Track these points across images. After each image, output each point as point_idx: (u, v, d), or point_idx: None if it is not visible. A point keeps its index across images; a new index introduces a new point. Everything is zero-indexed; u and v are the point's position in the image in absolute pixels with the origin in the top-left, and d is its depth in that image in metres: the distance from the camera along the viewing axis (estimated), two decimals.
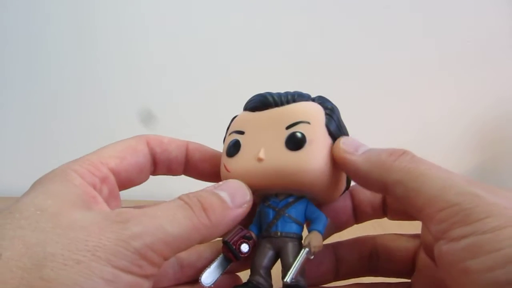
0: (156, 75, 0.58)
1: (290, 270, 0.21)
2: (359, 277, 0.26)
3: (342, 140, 0.22)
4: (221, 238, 0.25)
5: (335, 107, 0.23)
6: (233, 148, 0.23)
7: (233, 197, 0.21)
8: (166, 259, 0.18)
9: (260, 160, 0.22)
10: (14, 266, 0.15)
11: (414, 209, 0.18)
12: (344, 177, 0.23)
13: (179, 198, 0.20)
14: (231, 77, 0.58)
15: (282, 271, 0.22)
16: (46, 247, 0.15)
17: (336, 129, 0.23)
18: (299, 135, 0.21)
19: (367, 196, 0.25)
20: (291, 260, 0.21)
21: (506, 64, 0.59)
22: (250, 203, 0.22)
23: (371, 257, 0.25)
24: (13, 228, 0.16)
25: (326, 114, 0.23)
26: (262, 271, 0.22)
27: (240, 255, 0.22)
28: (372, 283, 0.26)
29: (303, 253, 0.21)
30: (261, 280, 0.22)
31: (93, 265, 0.15)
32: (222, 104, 0.58)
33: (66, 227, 0.16)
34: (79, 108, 0.58)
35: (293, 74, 0.57)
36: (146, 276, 0.17)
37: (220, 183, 0.22)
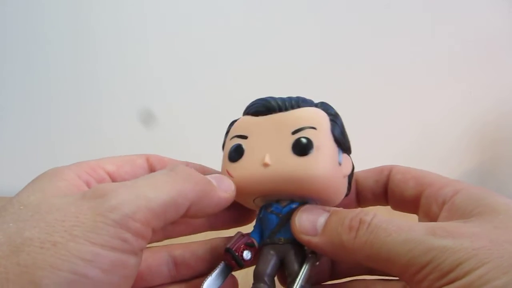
0: (156, 75, 0.58)
1: (298, 278, 0.20)
2: (354, 276, 0.26)
3: (296, 218, 0.21)
4: (214, 237, 0.25)
5: (338, 113, 0.23)
6: (236, 153, 0.22)
7: (218, 182, 0.21)
8: (154, 228, 0.17)
9: (266, 165, 0.21)
10: None
11: (393, 275, 0.19)
12: (345, 182, 0.23)
13: (167, 167, 0.20)
14: (231, 77, 0.58)
15: (287, 278, 0.22)
16: (23, 233, 0.15)
17: (340, 135, 0.23)
18: (306, 140, 0.21)
19: (369, 184, 0.25)
20: (296, 267, 0.21)
21: (506, 65, 0.59)
22: (234, 194, 0.22)
23: None
24: None
25: (331, 120, 0.22)
26: (266, 279, 0.21)
27: (243, 262, 0.22)
28: (369, 279, 0.26)
29: (309, 260, 0.21)
30: None
31: (71, 245, 0.15)
32: (221, 104, 0.58)
33: (44, 213, 0.16)
34: (79, 108, 0.58)
35: (293, 75, 0.57)
36: (131, 252, 0.17)
37: (207, 175, 0.22)
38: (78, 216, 0.16)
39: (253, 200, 0.23)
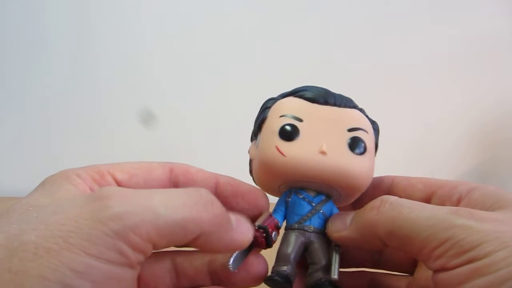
0: (156, 75, 0.58)
1: (333, 267, 0.21)
2: (361, 267, 0.26)
3: (329, 225, 0.23)
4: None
5: (375, 121, 0.25)
6: (290, 133, 0.22)
7: (238, 224, 0.20)
8: (155, 246, 0.17)
9: (323, 153, 0.22)
10: None
11: (413, 253, 0.19)
12: None
13: (190, 187, 0.19)
14: (231, 77, 0.58)
15: (310, 266, 0.22)
16: (22, 236, 0.15)
17: (377, 142, 0.24)
18: (364, 141, 0.22)
19: (367, 190, 0.25)
20: (321, 256, 0.22)
21: (506, 65, 0.59)
22: (249, 242, 0.21)
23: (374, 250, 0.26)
24: (5, 225, 0.16)
25: (373, 127, 0.24)
26: (292, 262, 0.22)
27: (272, 243, 0.22)
28: (376, 272, 0.26)
29: (338, 250, 0.22)
30: (291, 271, 0.22)
31: (64, 254, 0.14)
32: (221, 104, 0.58)
33: (49, 214, 0.16)
34: (79, 108, 0.58)
35: (292, 75, 0.57)
36: (128, 265, 0.16)
37: (229, 211, 0.21)
38: (77, 220, 0.15)
39: (279, 187, 0.24)
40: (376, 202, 0.20)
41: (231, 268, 0.21)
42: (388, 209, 0.19)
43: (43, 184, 0.19)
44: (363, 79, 0.57)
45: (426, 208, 0.18)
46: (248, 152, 0.25)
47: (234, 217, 0.20)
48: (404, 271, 0.25)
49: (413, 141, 0.60)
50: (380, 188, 0.25)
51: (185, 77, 0.58)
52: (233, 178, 0.24)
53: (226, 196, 0.23)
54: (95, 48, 0.57)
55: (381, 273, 0.26)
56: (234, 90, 0.58)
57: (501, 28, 0.58)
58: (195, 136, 0.58)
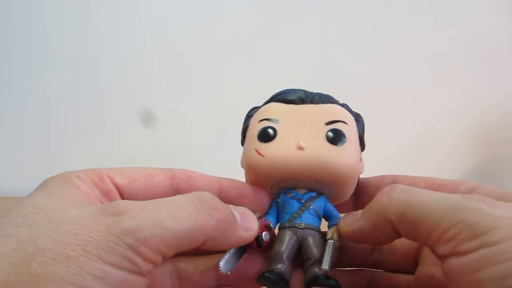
0: (156, 75, 0.58)
1: (325, 258, 0.21)
2: (361, 267, 0.26)
3: (340, 222, 0.23)
4: (219, 254, 0.25)
5: (360, 114, 0.25)
6: (268, 134, 0.23)
7: (243, 219, 0.21)
8: (165, 256, 0.17)
9: (301, 148, 0.22)
10: (3, 262, 0.15)
11: (422, 237, 0.18)
12: (356, 181, 0.24)
13: (194, 193, 0.19)
14: (231, 77, 0.58)
15: (306, 262, 0.22)
16: (37, 241, 0.15)
17: (362, 133, 0.24)
18: (341, 131, 0.22)
19: (369, 189, 0.26)
20: (315, 251, 0.22)
21: (506, 65, 0.59)
22: (255, 234, 0.21)
23: (374, 249, 0.25)
24: (9, 226, 0.16)
25: (355, 119, 0.24)
26: (286, 260, 0.22)
27: (263, 243, 0.22)
28: (375, 271, 0.26)
29: (331, 243, 0.22)
30: (285, 270, 0.22)
31: (82, 260, 0.15)
32: (221, 104, 0.58)
33: (60, 222, 0.16)
34: (79, 108, 0.58)
35: (292, 75, 0.57)
36: (140, 273, 0.17)
37: (232, 206, 0.21)
38: (91, 231, 0.16)
39: (270, 187, 0.24)
40: (386, 188, 0.20)
41: (223, 270, 0.21)
42: (398, 193, 0.19)
43: (44, 184, 0.19)
44: (363, 79, 0.57)
45: (438, 193, 0.18)
46: (241, 163, 0.25)
47: (238, 213, 0.21)
48: (404, 271, 0.25)
49: (413, 141, 0.60)
50: (381, 187, 0.25)
51: (185, 77, 0.58)
52: (236, 180, 0.24)
53: (232, 199, 0.23)
54: (95, 48, 0.57)
55: (381, 272, 0.25)
56: (234, 90, 0.58)
57: (501, 28, 0.58)
58: (195, 136, 0.58)
